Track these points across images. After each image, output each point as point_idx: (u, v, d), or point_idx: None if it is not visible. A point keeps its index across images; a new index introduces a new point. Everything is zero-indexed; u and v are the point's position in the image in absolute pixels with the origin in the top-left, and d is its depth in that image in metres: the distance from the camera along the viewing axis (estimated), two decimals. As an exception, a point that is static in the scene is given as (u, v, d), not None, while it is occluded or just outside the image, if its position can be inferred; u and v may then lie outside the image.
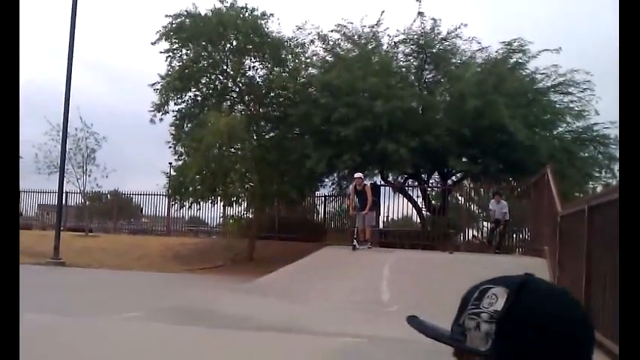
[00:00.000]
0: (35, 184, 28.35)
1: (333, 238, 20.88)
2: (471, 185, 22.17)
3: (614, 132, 19.49)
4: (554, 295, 0.93)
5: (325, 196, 25.00)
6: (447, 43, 21.23)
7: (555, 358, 0.87)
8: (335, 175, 23.14)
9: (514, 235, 19.99)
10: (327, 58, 21.72)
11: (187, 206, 22.14)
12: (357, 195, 15.80)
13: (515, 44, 20.53)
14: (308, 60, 21.85)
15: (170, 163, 24.30)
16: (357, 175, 16.19)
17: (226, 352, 7.54)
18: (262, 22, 20.98)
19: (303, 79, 21.45)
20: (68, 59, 20.68)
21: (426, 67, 21.84)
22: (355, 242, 15.24)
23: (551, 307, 0.89)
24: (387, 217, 22.80)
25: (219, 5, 20.85)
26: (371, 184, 19.74)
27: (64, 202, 24.01)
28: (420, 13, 20.47)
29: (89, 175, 26.44)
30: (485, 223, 21.06)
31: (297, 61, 21.70)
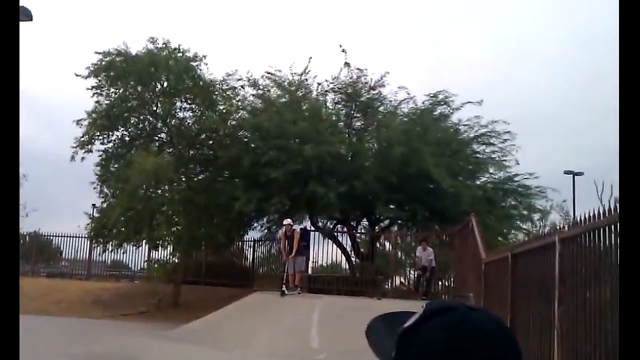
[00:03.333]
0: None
1: (262, 284, 20.59)
2: (399, 232, 22.51)
3: (533, 182, 20.40)
4: (483, 330, 0.89)
5: (254, 241, 24.73)
6: (374, 92, 21.76)
7: None
8: (264, 219, 23.02)
9: (440, 282, 20.33)
10: (257, 102, 21.83)
11: (110, 250, 21.42)
12: (287, 240, 15.82)
13: (440, 96, 21.31)
14: (239, 103, 21.87)
15: (94, 205, 23.54)
16: (287, 221, 16.27)
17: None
18: (194, 64, 20.94)
19: (233, 122, 21.40)
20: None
21: (355, 114, 22.29)
22: (284, 288, 15.13)
23: (463, 339, 0.88)
24: (316, 262, 22.75)
25: (150, 46, 20.70)
26: (301, 229, 19.74)
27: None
28: (347, 64, 20.97)
29: (6, 215, 25.21)
30: (412, 270, 21.36)
31: (227, 104, 21.68)
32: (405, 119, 21.10)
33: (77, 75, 20.55)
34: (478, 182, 21.39)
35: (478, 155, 21.63)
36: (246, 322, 13.19)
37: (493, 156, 21.42)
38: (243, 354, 10.90)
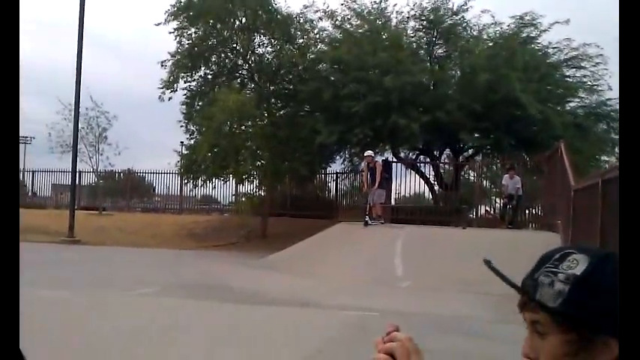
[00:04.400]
0: (48, 163, 28.60)
1: (346, 215, 20.88)
2: (484, 161, 22.06)
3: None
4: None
5: (337, 173, 25.02)
6: (457, 18, 21.01)
7: (615, 332, 0.89)
8: (346, 151, 23.14)
9: (527, 210, 19.92)
10: (336, 34, 21.57)
11: (200, 185, 22.26)
12: (369, 172, 15.87)
13: (527, 18, 20.28)
14: (317, 36, 21.73)
15: (182, 142, 24.39)
16: (368, 153, 16.22)
17: (241, 326, 7.62)
18: (270, -2, 20.86)
19: (312, 56, 21.35)
20: (78, 38, 20.71)
21: (437, 42, 21.65)
22: (367, 218, 15.29)
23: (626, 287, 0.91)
24: (399, 193, 22.78)
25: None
26: (382, 160, 19.72)
27: (77, 181, 24.17)
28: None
29: (101, 154, 26.64)
30: (497, 199, 21.01)
31: (305, 37, 21.58)
32: (490, 44, 20.28)
33: (157, 24, 21.05)
34: (568, 107, 20.46)
35: (568, 79, 20.63)
36: (330, 251, 13.51)
37: (584, 80, 20.36)
38: (328, 281, 11.23)
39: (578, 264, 0.94)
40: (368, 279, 11.32)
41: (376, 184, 15.44)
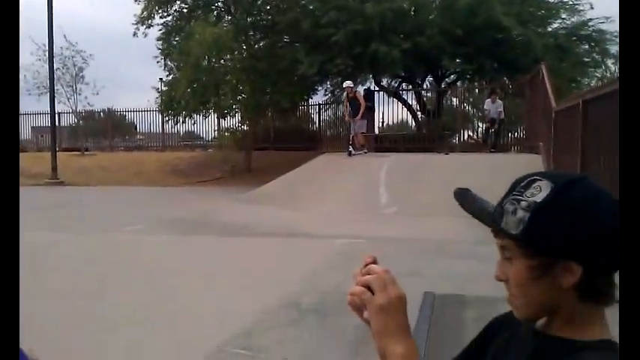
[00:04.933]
0: (26, 106, 28.09)
1: (329, 146, 20.91)
2: (466, 86, 21.99)
3: (609, 27, 19.11)
4: (599, 198, 0.94)
5: (319, 104, 24.86)
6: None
7: (577, 257, 0.92)
8: (328, 82, 22.93)
9: (509, 134, 20.05)
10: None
11: (181, 121, 22.07)
12: (349, 102, 15.85)
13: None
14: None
15: (160, 79, 24.00)
16: (347, 83, 16.19)
17: (231, 258, 7.76)
18: None
19: (290, -16, 20.75)
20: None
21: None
22: (351, 148, 15.37)
23: (590, 210, 0.93)
24: (383, 122, 22.77)
25: None
26: (364, 90, 19.58)
27: (57, 122, 23.85)
28: None
29: (79, 94, 26.22)
30: (480, 123, 21.08)
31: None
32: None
33: None
34: (549, 29, 20.26)
35: (549, 0, 20.33)
36: (315, 182, 13.60)
37: (565, 0, 20.09)
38: (314, 211, 11.37)
39: (540, 191, 0.95)
40: (354, 208, 11.48)
41: (359, 115, 15.44)
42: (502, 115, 16.55)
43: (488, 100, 16.73)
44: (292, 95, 21.08)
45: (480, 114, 20.62)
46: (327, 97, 24.27)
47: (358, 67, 19.81)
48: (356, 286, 1.00)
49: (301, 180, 14.25)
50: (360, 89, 18.69)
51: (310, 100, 24.81)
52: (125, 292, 5.97)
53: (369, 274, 1.00)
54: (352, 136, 15.71)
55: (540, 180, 0.97)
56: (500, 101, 16.61)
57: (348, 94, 16.01)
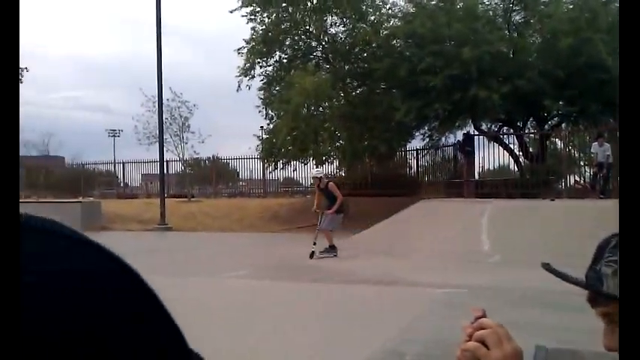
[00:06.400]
0: (137, 154, 29.90)
1: (428, 192, 20.70)
2: (570, 129, 21.22)
3: None
4: None
5: (417, 150, 24.77)
6: (534, -19, 20.16)
7: None
8: (425, 127, 22.86)
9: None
10: (409, 8, 21.22)
11: (281, 168, 22.65)
12: (321, 192, 13.24)
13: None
14: (389, 12, 21.50)
15: (262, 127, 24.86)
16: (315, 173, 14.03)
17: (332, 305, 7.78)
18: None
19: (386, 32, 21.14)
20: (157, 32, 21.40)
21: (514, 8, 20.90)
22: (314, 248, 12.47)
23: None
24: (482, 167, 22.31)
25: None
26: (464, 134, 19.37)
27: (165, 170, 25.15)
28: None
29: (186, 143, 27.52)
30: (587, 168, 20.19)
31: (378, 14, 21.40)
32: (571, 6, 19.39)
33: (231, 11, 21.46)
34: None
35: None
36: (415, 228, 13.47)
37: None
38: (415, 258, 11.23)
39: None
40: (455, 255, 11.24)
41: (333, 208, 12.60)
42: (610, 159, 15.82)
43: (595, 143, 16.07)
44: (389, 141, 21.16)
45: (586, 158, 19.77)
46: (424, 142, 24.18)
47: (456, 112, 19.65)
48: (469, 342, 0.96)
49: (400, 226, 14.15)
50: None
51: (408, 145, 24.81)
52: (224, 336, 6.12)
53: (481, 328, 0.96)
54: (317, 232, 12.80)
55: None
56: (607, 144, 15.91)
57: (318, 185, 13.19)
